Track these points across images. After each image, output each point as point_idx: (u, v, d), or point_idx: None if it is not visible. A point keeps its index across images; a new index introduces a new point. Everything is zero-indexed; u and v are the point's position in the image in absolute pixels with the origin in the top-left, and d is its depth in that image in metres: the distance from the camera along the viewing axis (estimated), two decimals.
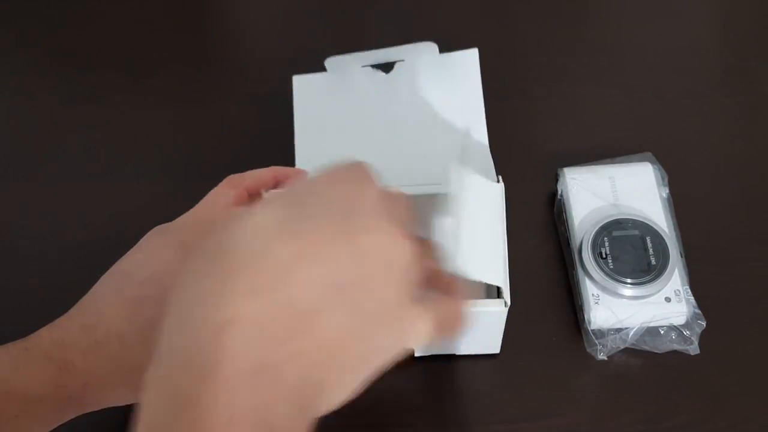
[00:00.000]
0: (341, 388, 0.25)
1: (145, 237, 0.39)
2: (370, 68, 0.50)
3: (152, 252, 0.38)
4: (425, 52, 0.48)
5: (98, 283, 0.38)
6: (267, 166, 0.45)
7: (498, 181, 0.42)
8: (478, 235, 0.40)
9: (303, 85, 0.51)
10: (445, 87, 0.49)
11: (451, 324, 0.29)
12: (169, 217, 0.40)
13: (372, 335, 0.25)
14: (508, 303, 0.38)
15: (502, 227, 0.41)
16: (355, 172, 0.27)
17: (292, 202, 0.25)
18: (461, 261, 0.38)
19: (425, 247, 0.30)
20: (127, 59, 0.62)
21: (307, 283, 0.23)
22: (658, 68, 0.57)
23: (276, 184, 0.45)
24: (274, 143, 0.51)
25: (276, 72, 0.60)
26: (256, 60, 0.62)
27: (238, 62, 0.62)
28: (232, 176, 0.43)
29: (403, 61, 0.50)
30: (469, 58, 0.49)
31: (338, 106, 0.50)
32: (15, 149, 0.57)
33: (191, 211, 0.41)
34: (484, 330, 0.41)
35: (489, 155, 0.47)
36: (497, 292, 0.39)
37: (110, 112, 0.59)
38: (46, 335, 0.36)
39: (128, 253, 0.38)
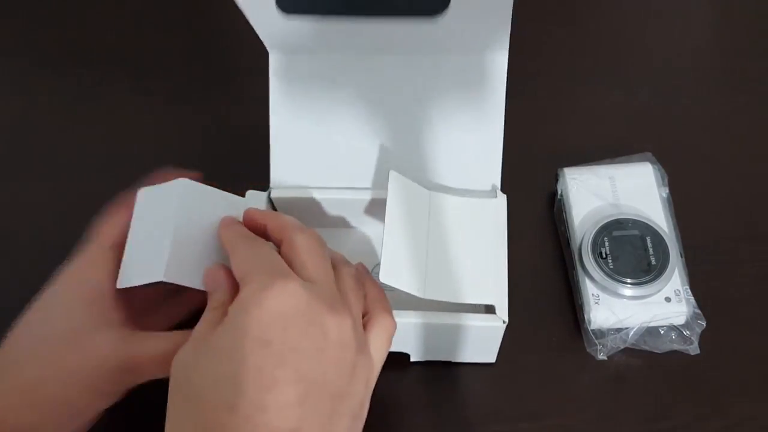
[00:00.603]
0: None
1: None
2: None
3: (38, 329, 0.37)
4: None
5: None
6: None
7: (496, 196, 0.42)
8: (469, 256, 0.39)
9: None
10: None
11: (390, 337, 0.34)
12: None
13: (345, 405, 0.30)
14: (506, 321, 0.38)
15: (500, 242, 0.40)
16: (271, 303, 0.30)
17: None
18: (451, 285, 0.38)
19: (350, 282, 0.34)
20: (127, 59, 0.62)
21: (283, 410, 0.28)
22: (658, 68, 0.57)
23: None
24: None
25: None
26: (256, 60, 0.62)
27: (238, 62, 0.62)
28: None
29: None
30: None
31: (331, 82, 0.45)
32: (15, 149, 0.57)
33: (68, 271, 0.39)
34: (480, 342, 0.41)
35: (499, 164, 0.44)
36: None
37: (110, 112, 0.59)
38: None
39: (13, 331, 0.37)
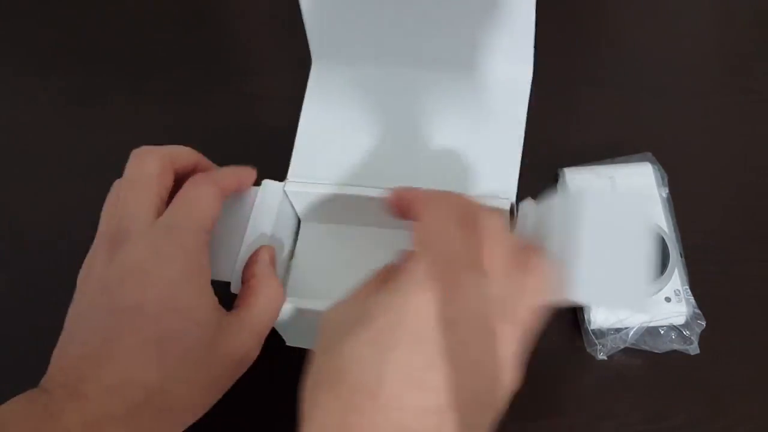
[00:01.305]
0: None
1: (142, 258, 0.33)
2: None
3: (162, 276, 0.32)
4: None
5: (90, 318, 0.33)
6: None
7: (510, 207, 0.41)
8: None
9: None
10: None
11: None
12: None
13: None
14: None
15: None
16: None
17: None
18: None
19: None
20: (128, 59, 0.62)
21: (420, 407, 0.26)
22: (659, 68, 0.57)
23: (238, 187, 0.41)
24: (276, 143, 0.51)
25: (277, 72, 0.60)
26: (257, 60, 0.62)
27: (239, 62, 0.62)
28: (205, 175, 0.38)
29: None
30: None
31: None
32: (15, 149, 0.57)
33: (177, 210, 0.35)
34: None
35: (515, 174, 0.43)
36: None
37: (110, 112, 0.59)
38: (74, 416, 0.30)
39: (118, 278, 0.33)
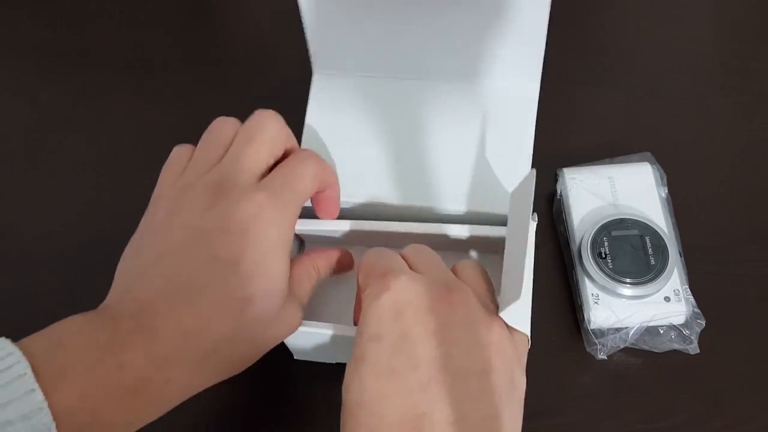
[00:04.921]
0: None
1: (246, 215, 0.32)
2: None
3: (261, 239, 0.32)
4: None
5: (177, 259, 0.32)
6: None
7: (533, 219, 0.39)
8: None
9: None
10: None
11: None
12: None
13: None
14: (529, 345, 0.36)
15: (528, 266, 0.37)
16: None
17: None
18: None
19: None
20: (127, 59, 0.62)
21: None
22: (658, 68, 0.57)
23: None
24: None
25: (279, 72, 0.60)
26: (258, 60, 0.62)
27: (240, 62, 0.62)
28: (312, 156, 0.38)
29: None
30: None
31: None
32: (15, 149, 0.57)
33: (282, 179, 0.35)
34: None
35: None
36: None
37: (110, 112, 0.59)
38: (140, 352, 0.29)
39: (219, 228, 0.32)
